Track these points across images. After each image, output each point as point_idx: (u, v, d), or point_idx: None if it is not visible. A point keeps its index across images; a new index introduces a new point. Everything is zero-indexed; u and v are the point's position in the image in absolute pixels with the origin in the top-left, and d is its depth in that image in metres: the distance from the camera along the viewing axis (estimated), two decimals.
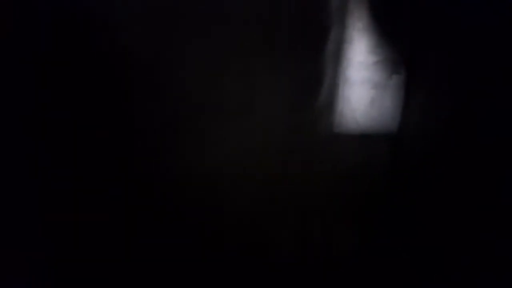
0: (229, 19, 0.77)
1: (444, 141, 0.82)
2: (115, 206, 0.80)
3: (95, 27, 0.76)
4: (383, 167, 0.82)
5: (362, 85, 0.81)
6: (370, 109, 0.81)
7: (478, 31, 0.79)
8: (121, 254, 0.81)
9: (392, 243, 0.83)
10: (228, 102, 0.79)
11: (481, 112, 0.81)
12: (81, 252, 0.80)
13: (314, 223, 0.84)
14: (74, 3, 0.75)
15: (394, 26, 0.81)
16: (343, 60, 0.81)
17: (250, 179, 0.82)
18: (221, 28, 0.77)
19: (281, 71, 0.79)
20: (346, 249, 0.83)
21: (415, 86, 0.82)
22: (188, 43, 0.76)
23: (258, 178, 0.82)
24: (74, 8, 0.75)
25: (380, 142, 0.82)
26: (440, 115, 0.82)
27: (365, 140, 0.82)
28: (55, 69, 0.76)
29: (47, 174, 0.78)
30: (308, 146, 0.81)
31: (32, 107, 0.77)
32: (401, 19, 0.80)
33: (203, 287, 0.83)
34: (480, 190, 0.82)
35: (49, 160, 0.78)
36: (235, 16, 0.77)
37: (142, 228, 0.81)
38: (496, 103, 0.80)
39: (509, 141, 0.80)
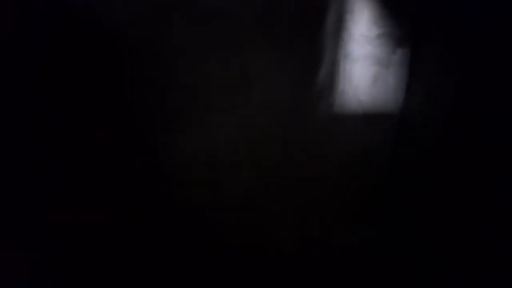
0: None
1: (451, 123, 0.76)
2: (115, 206, 0.80)
3: (95, 27, 0.76)
4: (385, 150, 0.78)
5: (364, 61, 0.76)
6: (372, 87, 0.77)
7: (490, 6, 0.73)
8: (121, 254, 0.81)
9: (392, 243, 0.83)
10: (223, 83, 0.76)
11: (492, 92, 0.74)
12: (81, 252, 0.80)
13: (313, 212, 0.82)
14: (74, 3, 0.75)
15: None
16: (344, 33, 0.75)
17: (249, 165, 0.79)
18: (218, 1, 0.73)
19: (277, 46, 0.75)
20: (346, 245, 0.83)
21: (421, 62, 0.76)
22: (186, 36, 0.76)
23: (258, 164, 0.79)
24: (74, 8, 0.75)
25: (383, 122, 0.78)
26: (447, 93, 0.76)
27: (367, 120, 0.78)
28: (55, 69, 0.76)
29: (47, 174, 0.78)
30: (307, 127, 0.77)
31: (32, 107, 0.77)
32: None
33: (203, 287, 0.83)
34: (484, 185, 0.80)
35: (49, 160, 0.78)
36: None
37: (142, 228, 0.81)
38: (509, 84, 0.74)
39: None
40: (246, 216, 0.83)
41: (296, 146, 0.78)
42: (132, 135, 0.79)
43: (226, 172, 0.81)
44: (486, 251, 0.82)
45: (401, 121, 0.77)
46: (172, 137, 0.79)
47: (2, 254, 0.80)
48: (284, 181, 0.80)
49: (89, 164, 0.79)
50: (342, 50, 0.76)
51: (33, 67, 0.76)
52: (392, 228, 0.82)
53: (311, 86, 0.76)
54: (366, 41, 0.76)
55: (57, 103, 0.77)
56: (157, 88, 0.78)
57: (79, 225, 0.80)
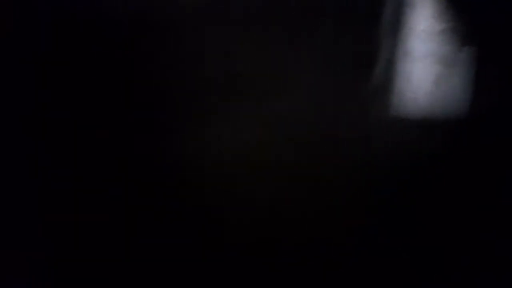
0: None
1: None
2: (115, 206, 0.80)
3: (95, 27, 0.76)
4: (448, 159, 0.67)
5: (425, 59, 0.67)
6: (434, 88, 0.67)
7: None
8: (121, 254, 0.81)
9: (392, 243, 0.83)
10: (250, 84, 0.67)
11: None
12: (81, 252, 0.80)
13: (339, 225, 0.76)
14: (74, 3, 0.75)
15: None
16: (403, 28, 0.67)
17: (260, 175, 0.73)
18: None
19: (325, 41, 0.66)
20: (346, 245, 0.82)
21: (489, 61, 0.67)
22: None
23: (273, 175, 0.72)
24: (74, 8, 0.75)
25: (445, 129, 0.67)
26: None
27: (426, 126, 0.67)
28: (55, 69, 0.76)
29: (47, 174, 0.78)
30: (356, 132, 0.67)
31: (32, 107, 0.77)
32: None
33: (203, 287, 0.83)
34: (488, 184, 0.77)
35: (49, 160, 0.78)
36: None
37: (142, 228, 0.81)
38: None
39: None
40: (247, 217, 0.83)
41: (342, 152, 0.68)
42: (132, 135, 0.79)
43: (233, 173, 0.80)
44: (486, 251, 0.82)
45: (465, 127, 0.68)
46: (174, 138, 0.79)
47: (2, 254, 0.80)
48: (313, 186, 0.72)
49: (89, 164, 0.79)
50: (400, 47, 0.67)
51: (33, 67, 0.76)
52: (392, 228, 0.82)
53: (363, 87, 0.67)
54: (428, 37, 0.67)
55: (57, 103, 0.77)
56: (158, 88, 0.78)
57: (79, 225, 0.80)
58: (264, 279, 0.83)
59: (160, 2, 0.75)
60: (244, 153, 0.72)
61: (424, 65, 0.67)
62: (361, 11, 0.66)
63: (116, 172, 0.79)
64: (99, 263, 0.81)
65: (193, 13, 0.72)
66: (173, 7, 0.75)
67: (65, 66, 0.76)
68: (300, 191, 0.73)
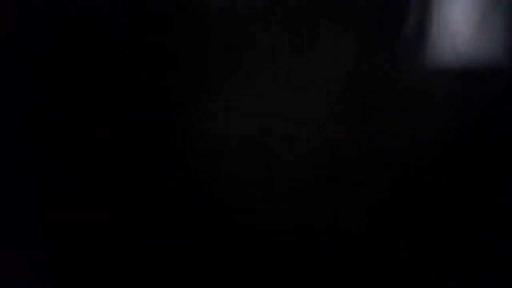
0: None
1: None
2: (115, 206, 0.80)
3: (95, 27, 0.76)
4: (489, 116, 0.58)
5: (466, 1, 0.57)
6: (476, 34, 0.57)
7: None
8: (121, 254, 0.81)
9: (392, 243, 0.83)
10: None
11: None
12: (81, 252, 0.80)
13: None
14: (74, 3, 0.75)
15: None
16: None
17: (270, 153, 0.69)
18: None
19: None
20: (346, 244, 0.82)
21: None
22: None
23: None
24: (74, 8, 0.75)
25: (488, 81, 0.58)
26: None
27: (467, 78, 0.58)
28: (55, 69, 0.76)
29: (47, 174, 0.78)
30: (387, 91, 0.58)
31: (32, 107, 0.77)
32: None
33: (203, 287, 0.83)
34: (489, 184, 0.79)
35: (49, 160, 0.78)
36: None
37: (142, 228, 0.81)
38: None
39: None
40: (247, 216, 0.83)
41: (373, 108, 0.60)
42: (132, 135, 0.79)
43: (232, 172, 0.80)
44: (486, 251, 0.82)
45: (510, 80, 0.59)
46: (175, 137, 0.79)
47: (2, 254, 0.80)
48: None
49: (89, 164, 0.79)
50: None
51: (33, 67, 0.76)
52: (392, 228, 0.82)
53: (393, 32, 0.58)
54: None
55: (57, 103, 0.77)
56: (158, 88, 0.78)
57: (79, 225, 0.80)
58: (264, 279, 0.83)
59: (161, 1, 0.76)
60: (250, 143, 0.71)
61: (464, 5, 0.58)
62: None
63: (116, 172, 0.79)
64: (99, 263, 0.81)
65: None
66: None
67: (65, 66, 0.76)
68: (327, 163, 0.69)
